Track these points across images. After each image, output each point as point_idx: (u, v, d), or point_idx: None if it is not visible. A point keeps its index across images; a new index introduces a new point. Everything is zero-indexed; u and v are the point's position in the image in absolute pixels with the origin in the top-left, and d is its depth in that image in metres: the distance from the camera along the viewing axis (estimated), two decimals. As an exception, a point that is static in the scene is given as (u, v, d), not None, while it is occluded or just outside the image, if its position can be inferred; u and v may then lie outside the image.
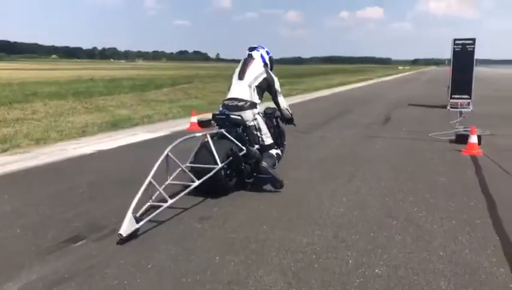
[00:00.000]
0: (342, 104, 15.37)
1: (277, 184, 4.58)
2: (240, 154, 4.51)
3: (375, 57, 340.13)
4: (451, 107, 13.09)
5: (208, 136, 4.48)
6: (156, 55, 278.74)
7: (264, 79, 4.85)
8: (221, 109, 4.78)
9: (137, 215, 3.41)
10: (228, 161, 4.40)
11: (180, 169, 4.29)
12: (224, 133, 4.60)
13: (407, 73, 65.62)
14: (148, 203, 3.72)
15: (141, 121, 10.22)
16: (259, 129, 4.81)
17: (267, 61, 5.08)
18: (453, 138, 7.81)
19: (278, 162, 4.94)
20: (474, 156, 6.46)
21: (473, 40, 12.81)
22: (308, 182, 5.04)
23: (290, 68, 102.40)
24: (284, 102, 5.18)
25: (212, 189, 4.34)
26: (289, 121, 5.37)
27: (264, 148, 4.81)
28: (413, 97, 18.11)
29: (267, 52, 5.13)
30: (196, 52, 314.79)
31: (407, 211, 4.05)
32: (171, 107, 12.81)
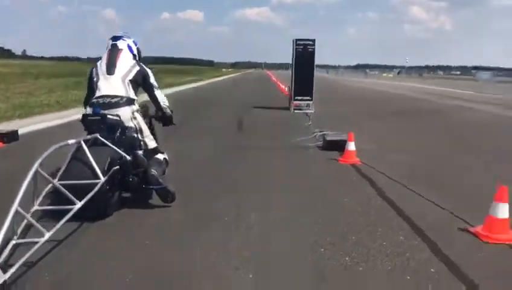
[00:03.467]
0: (186, 107, 13.82)
1: (168, 196, 3.85)
2: None
3: (198, 59, 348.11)
4: (294, 109, 12.94)
5: (83, 143, 3.54)
6: None
7: (138, 72, 4.11)
8: (91, 108, 3.88)
9: (0, 261, 2.39)
10: (111, 172, 3.57)
11: (47, 189, 3.32)
12: (100, 138, 3.72)
13: (232, 75, 67.76)
14: (13, 242, 2.63)
15: None
16: (140, 131, 4.03)
17: (135, 52, 4.35)
18: (320, 143, 7.14)
19: (167, 168, 4.24)
20: (354, 165, 5.77)
21: (313, 41, 12.81)
22: (182, 231, 3.42)
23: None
24: (163, 97, 4.41)
25: (91, 210, 3.37)
26: (168, 120, 4.55)
27: (149, 154, 4.05)
28: (250, 98, 17.81)
29: (134, 43, 4.40)
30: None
31: (342, 262, 2.83)
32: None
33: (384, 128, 9.84)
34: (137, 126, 3.99)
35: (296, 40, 12.77)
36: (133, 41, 4.40)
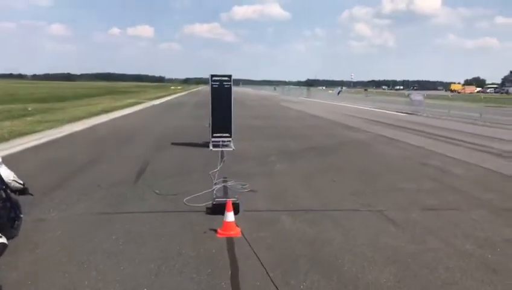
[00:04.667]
0: (96, 145, 12.95)
1: None
2: None
3: (149, 75, 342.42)
4: (213, 146, 12.37)
5: None
6: None
7: None
8: None
9: None
10: None
11: None
12: None
13: (177, 94, 66.49)
14: None
15: None
16: None
17: None
18: (210, 205, 6.53)
19: (1, 254, 3.85)
20: (232, 241, 5.21)
21: (229, 76, 12.41)
22: None
23: (57, 86, 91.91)
24: (7, 172, 4.35)
25: None
26: (22, 192, 4.53)
27: None
28: (178, 130, 17.10)
29: None
30: None
31: None
32: None
33: (296, 173, 9.36)
34: None
35: (212, 76, 12.30)
36: None
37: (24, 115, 20.79)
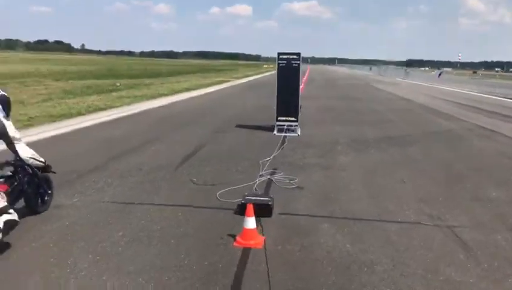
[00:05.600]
0: (160, 124, 12.80)
1: None
2: None
3: (246, 54, 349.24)
4: (277, 131, 11.45)
5: None
6: (10, 44, 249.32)
7: None
8: None
9: None
10: None
11: None
12: None
13: (268, 73, 66.06)
14: None
15: None
16: None
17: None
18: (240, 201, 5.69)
19: (8, 231, 3.95)
20: (248, 252, 4.33)
21: (298, 54, 11.31)
22: None
23: (154, 63, 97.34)
24: (25, 150, 4.45)
25: None
26: (44, 169, 4.77)
27: None
28: (249, 111, 16.47)
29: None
30: (58, 42, 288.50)
31: None
32: None
33: (360, 167, 8.09)
34: None
35: (279, 54, 11.33)
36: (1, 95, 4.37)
37: (111, 90, 21.72)
